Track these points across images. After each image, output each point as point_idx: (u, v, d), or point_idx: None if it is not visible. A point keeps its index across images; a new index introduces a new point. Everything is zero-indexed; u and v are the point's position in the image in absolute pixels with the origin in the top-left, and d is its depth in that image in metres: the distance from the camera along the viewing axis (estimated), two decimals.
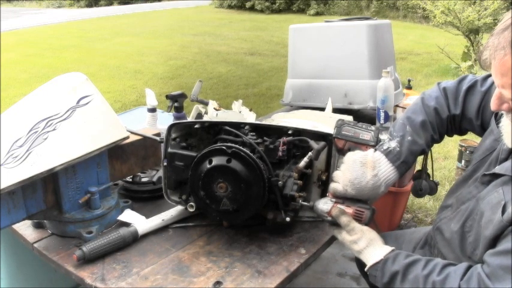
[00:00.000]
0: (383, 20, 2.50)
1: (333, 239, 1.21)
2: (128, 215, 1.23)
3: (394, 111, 2.08)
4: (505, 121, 1.01)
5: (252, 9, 15.10)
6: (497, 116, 1.15)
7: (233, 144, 1.09)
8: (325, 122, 1.73)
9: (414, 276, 0.99)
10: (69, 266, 1.05)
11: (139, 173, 1.40)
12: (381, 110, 1.87)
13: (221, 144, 1.10)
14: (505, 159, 1.05)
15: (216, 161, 1.07)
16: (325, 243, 1.17)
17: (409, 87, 2.38)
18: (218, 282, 1.00)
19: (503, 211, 0.93)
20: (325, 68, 2.18)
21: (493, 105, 0.99)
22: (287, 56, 2.33)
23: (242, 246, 1.14)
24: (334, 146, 1.18)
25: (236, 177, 1.06)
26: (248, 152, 1.08)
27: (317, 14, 13.82)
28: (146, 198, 1.36)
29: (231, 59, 8.10)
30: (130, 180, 1.40)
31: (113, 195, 1.26)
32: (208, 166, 1.08)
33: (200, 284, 1.00)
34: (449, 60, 6.59)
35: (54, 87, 1.18)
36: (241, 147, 1.08)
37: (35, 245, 1.15)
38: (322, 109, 2.04)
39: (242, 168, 1.06)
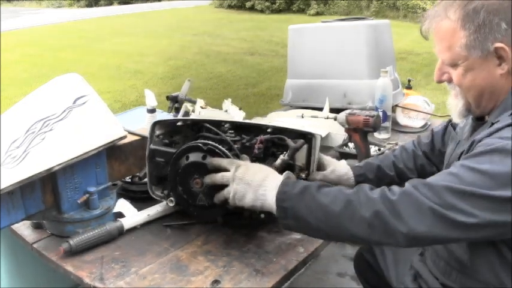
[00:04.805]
0: (382, 19, 2.51)
1: None
2: (121, 206, 1.25)
3: (394, 111, 2.08)
4: (450, 99, 1.07)
5: (252, 9, 15.08)
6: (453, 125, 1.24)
7: (209, 141, 1.10)
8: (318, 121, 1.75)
9: (332, 188, 0.95)
10: (68, 265, 1.05)
11: (137, 173, 1.40)
12: (379, 110, 1.88)
13: (198, 141, 1.12)
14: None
15: (193, 157, 1.10)
16: (324, 242, 1.17)
17: (409, 87, 2.38)
18: (216, 281, 1.00)
19: None
20: (325, 68, 2.18)
21: (435, 76, 1.06)
22: (287, 56, 2.33)
23: (240, 245, 1.14)
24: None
25: (211, 173, 1.07)
26: (224, 149, 1.09)
27: (317, 14, 13.80)
28: (145, 198, 1.36)
29: (231, 59, 8.11)
30: (129, 180, 1.40)
31: (112, 195, 1.26)
32: (185, 162, 1.11)
33: (198, 283, 1.00)
34: None
35: (51, 88, 1.19)
36: (216, 145, 1.09)
37: (34, 245, 1.15)
38: (322, 109, 2.05)
39: None
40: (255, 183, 1.00)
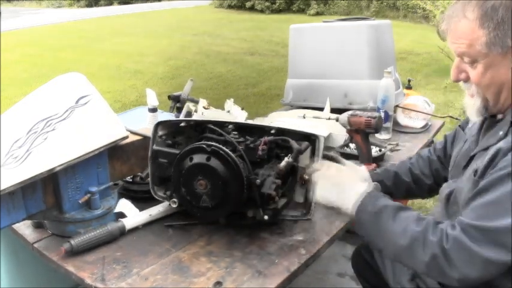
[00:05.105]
0: (383, 20, 2.50)
1: (334, 239, 1.20)
2: (122, 205, 1.25)
3: (394, 112, 2.08)
4: (466, 99, 1.08)
5: (252, 9, 15.08)
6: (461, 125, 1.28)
7: (213, 143, 1.10)
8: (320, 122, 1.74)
9: (407, 215, 1.00)
10: (69, 266, 1.05)
11: (139, 173, 1.40)
12: (381, 110, 1.87)
13: (202, 142, 1.12)
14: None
15: (197, 158, 1.10)
16: (326, 244, 1.17)
17: (409, 87, 2.37)
18: (218, 283, 1.00)
19: (476, 173, 0.99)
20: (326, 68, 2.18)
21: (452, 75, 1.06)
22: (287, 56, 2.33)
23: (242, 247, 1.14)
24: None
25: (215, 175, 1.08)
26: (227, 150, 1.09)
27: (317, 14, 13.80)
28: (146, 198, 1.36)
29: (231, 59, 8.11)
30: (131, 180, 1.40)
31: (113, 195, 1.26)
32: (189, 163, 1.10)
33: (200, 284, 1.00)
34: (449, 60, 6.58)
35: (53, 88, 1.18)
36: (220, 146, 1.09)
37: (35, 245, 1.15)
38: (323, 109, 2.04)
39: (221, 166, 1.08)
40: (343, 185, 1.08)
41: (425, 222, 0.97)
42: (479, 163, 1.00)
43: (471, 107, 1.05)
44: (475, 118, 1.08)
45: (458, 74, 1.04)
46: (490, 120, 1.07)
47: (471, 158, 1.07)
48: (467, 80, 1.03)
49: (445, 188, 1.19)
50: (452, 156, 1.23)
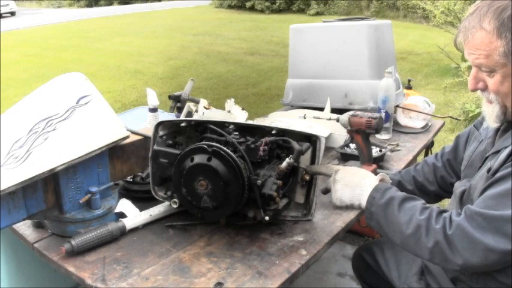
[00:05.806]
0: (383, 20, 2.50)
1: (334, 239, 1.20)
2: (123, 206, 1.24)
3: (394, 112, 2.08)
4: (484, 106, 1.10)
5: (252, 9, 15.10)
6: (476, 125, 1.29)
7: (214, 143, 1.10)
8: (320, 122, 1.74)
9: (412, 205, 1.05)
10: (69, 266, 1.05)
11: (140, 173, 1.40)
12: (382, 110, 1.87)
13: (203, 142, 1.12)
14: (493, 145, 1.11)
15: (197, 159, 1.10)
16: (326, 244, 1.17)
17: (409, 87, 2.37)
18: (219, 283, 1.00)
19: (489, 171, 1.02)
20: (326, 68, 2.18)
21: (469, 85, 1.08)
22: (287, 56, 2.33)
23: (243, 247, 1.14)
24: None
25: (216, 175, 1.08)
26: (228, 151, 1.09)
27: (317, 14, 13.83)
28: (147, 198, 1.36)
29: (231, 59, 8.12)
30: (131, 180, 1.40)
31: (114, 195, 1.26)
32: (190, 164, 1.10)
33: (201, 284, 1.00)
34: (449, 60, 6.59)
35: (54, 88, 1.18)
36: (221, 146, 1.09)
37: (35, 245, 1.14)
38: (323, 109, 2.04)
39: (222, 166, 1.08)
40: (352, 184, 1.15)
41: (429, 211, 1.01)
42: (492, 163, 1.02)
43: (490, 113, 1.07)
44: (493, 124, 1.09)
45: (476, 84, 1.06)
46: (506, 123, 1.08)
47: (486, 159, 1.08)
48: (485, 88, 1.05)
49: (458, 187, 1.20)
50: (466, 155, 1.24)
